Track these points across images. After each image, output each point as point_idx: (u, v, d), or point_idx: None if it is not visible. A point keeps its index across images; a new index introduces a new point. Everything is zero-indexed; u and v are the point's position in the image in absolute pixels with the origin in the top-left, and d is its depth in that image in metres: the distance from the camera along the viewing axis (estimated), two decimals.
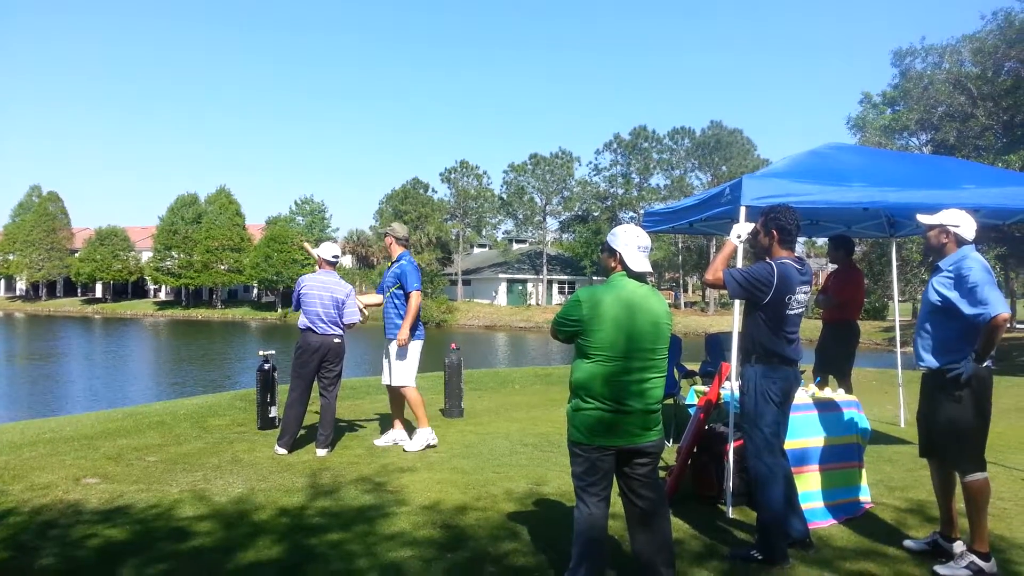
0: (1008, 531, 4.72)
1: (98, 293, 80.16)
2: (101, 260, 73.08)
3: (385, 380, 7.10)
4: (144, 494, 5.37)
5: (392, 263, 7.02)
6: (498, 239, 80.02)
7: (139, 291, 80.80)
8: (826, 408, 5.21)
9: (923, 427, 4.28)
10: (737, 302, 5.73)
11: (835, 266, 7.64)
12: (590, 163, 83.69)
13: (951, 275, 4.04)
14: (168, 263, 70.70)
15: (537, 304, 66.92)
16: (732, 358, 5.32)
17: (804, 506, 4.81)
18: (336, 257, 7.03)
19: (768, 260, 4.30)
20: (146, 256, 75.05)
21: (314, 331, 6.71)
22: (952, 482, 4.28)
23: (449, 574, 4.01)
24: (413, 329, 6.84)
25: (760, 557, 4.17)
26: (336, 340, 6.79)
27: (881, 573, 4.06)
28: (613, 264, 3.67)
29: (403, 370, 6.89)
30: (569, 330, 3.60)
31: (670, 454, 6.60)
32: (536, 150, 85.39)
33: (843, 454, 5.17)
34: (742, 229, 4.53)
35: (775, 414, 4.30)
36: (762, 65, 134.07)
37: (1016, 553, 4.36)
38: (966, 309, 3.91)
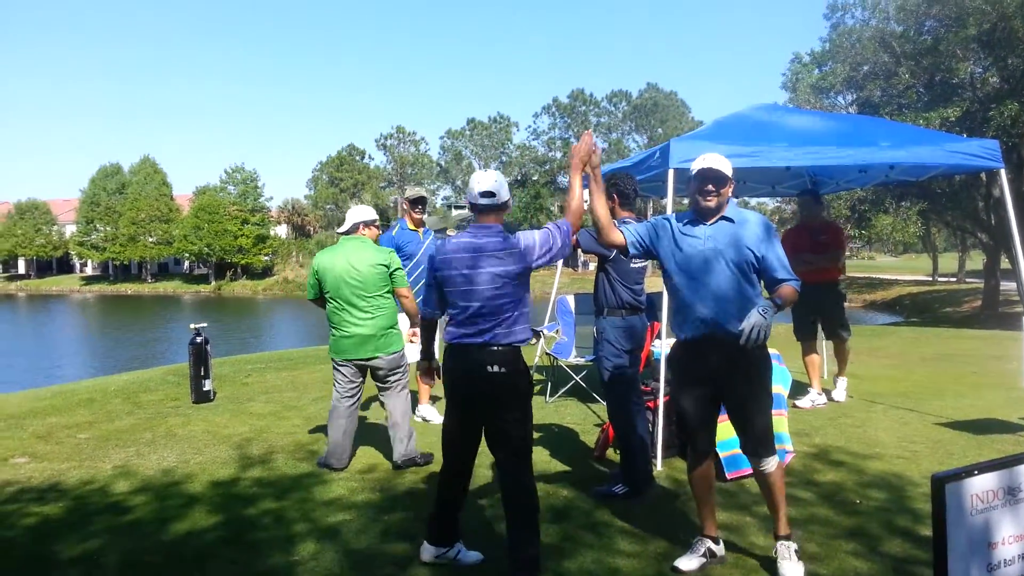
0: (918, 472, 5.00)
1: (21, 269, 76.90)
2: (22, 235, 69.88)
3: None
4: (76, 471, 5.29)
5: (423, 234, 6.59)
6: (437, 206, 79.42)
7: (64, 267, 77.71)
8: None
9: None
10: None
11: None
12: (529, 127, 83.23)
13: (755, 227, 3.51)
14: (93, 237, 68.20)
15: None
16: (663, 316, 5.47)
17: (729, 453, 5.04)
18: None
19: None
20: (70, 230, 72.19)
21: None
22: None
23: (386, 536, 4.10)
24: None
25: (622, 492, 4.57)
26: None
27: (795, 515, 4.28)
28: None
29: None
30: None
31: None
32: (473, 115, 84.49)
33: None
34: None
35: (626, 359, 4.66)
36: (698, 27, 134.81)
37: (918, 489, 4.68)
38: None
